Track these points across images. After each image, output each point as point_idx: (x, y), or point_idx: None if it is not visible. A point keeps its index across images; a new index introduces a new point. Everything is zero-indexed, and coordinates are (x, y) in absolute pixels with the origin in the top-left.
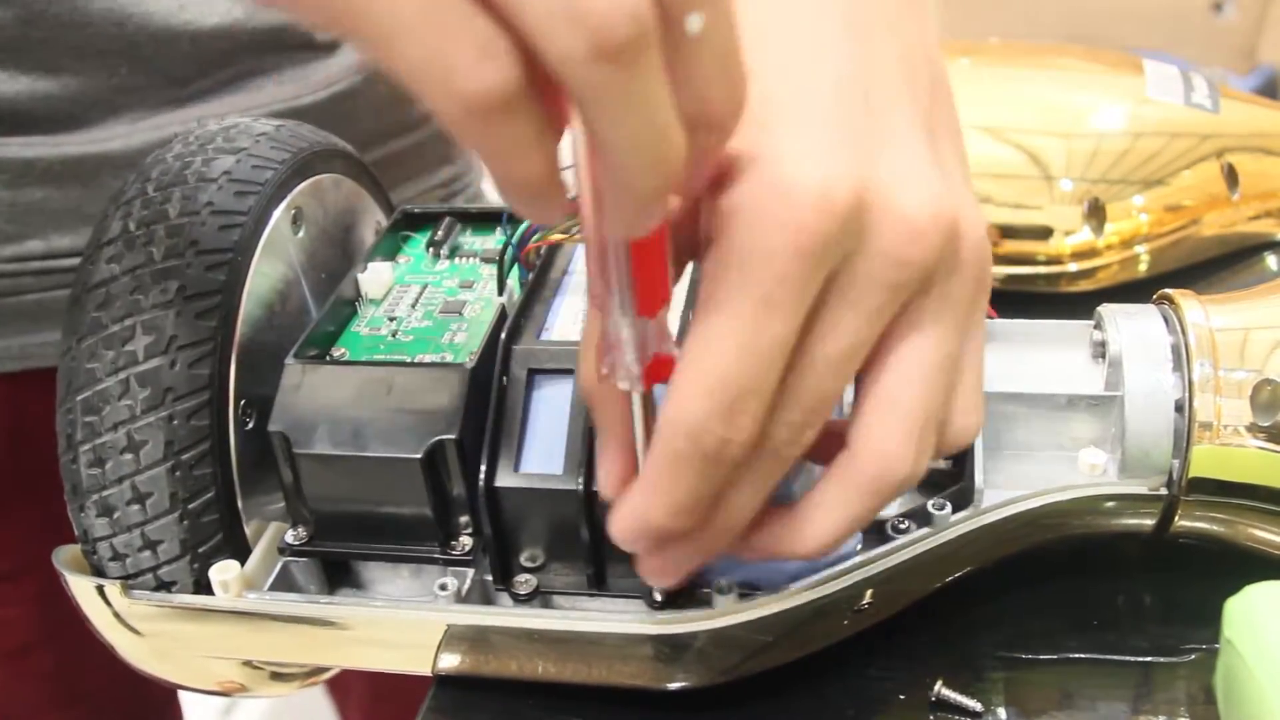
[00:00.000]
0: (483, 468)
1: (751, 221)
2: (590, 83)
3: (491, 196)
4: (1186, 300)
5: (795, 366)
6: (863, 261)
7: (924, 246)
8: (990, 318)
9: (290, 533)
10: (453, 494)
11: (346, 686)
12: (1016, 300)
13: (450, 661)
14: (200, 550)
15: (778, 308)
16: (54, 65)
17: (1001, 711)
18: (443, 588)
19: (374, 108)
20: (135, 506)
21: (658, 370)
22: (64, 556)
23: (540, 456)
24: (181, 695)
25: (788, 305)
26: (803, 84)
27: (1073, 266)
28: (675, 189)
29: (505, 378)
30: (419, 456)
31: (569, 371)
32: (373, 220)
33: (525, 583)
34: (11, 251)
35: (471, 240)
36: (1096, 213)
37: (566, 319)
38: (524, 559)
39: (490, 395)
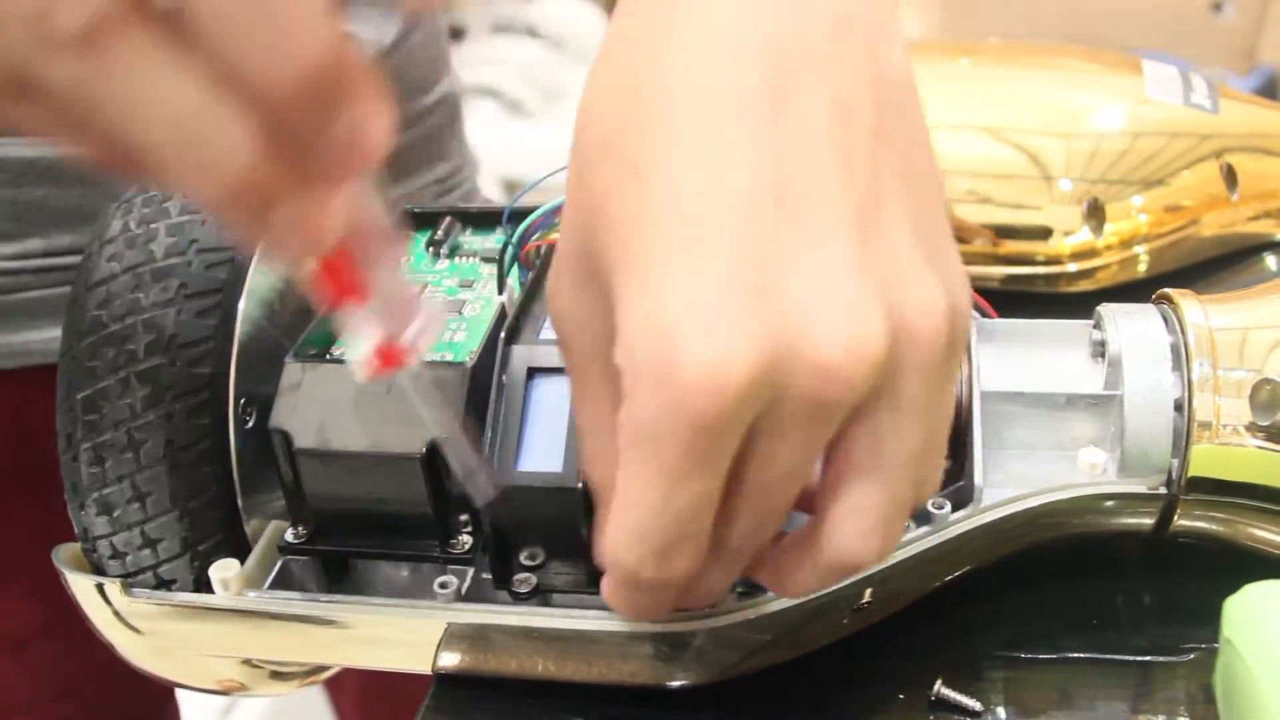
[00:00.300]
0: None
1: (644, 399)
2: (67, 81)
3: (488, 193)
4: (1186, 300)
5: (734, 492)
6: (783, 405)
7: (842, 385)
8: (989, 318)
9: (290, 531)
10: (452, 492)
11: (341, 685)
12: (1016, 300)
13: (450, 660)
14: (200, 548)
15: (688, 476)
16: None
17: (1001, 711)
18: (442, 586)
19: None
20: (135, 505)
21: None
22: (64, 555)
23: (540, 455)
24: (179, 692)
25: (700, 471)
26: (702, 194)
27: (1072, 267)
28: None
29: (505, 376)
30: (419, 454)
31: None
32: None
33: (525, 581)
34: (13, 249)
35: (471, 239)
36: (1096, 213)
37: None
38: (523, 557)
39: (490, 394)
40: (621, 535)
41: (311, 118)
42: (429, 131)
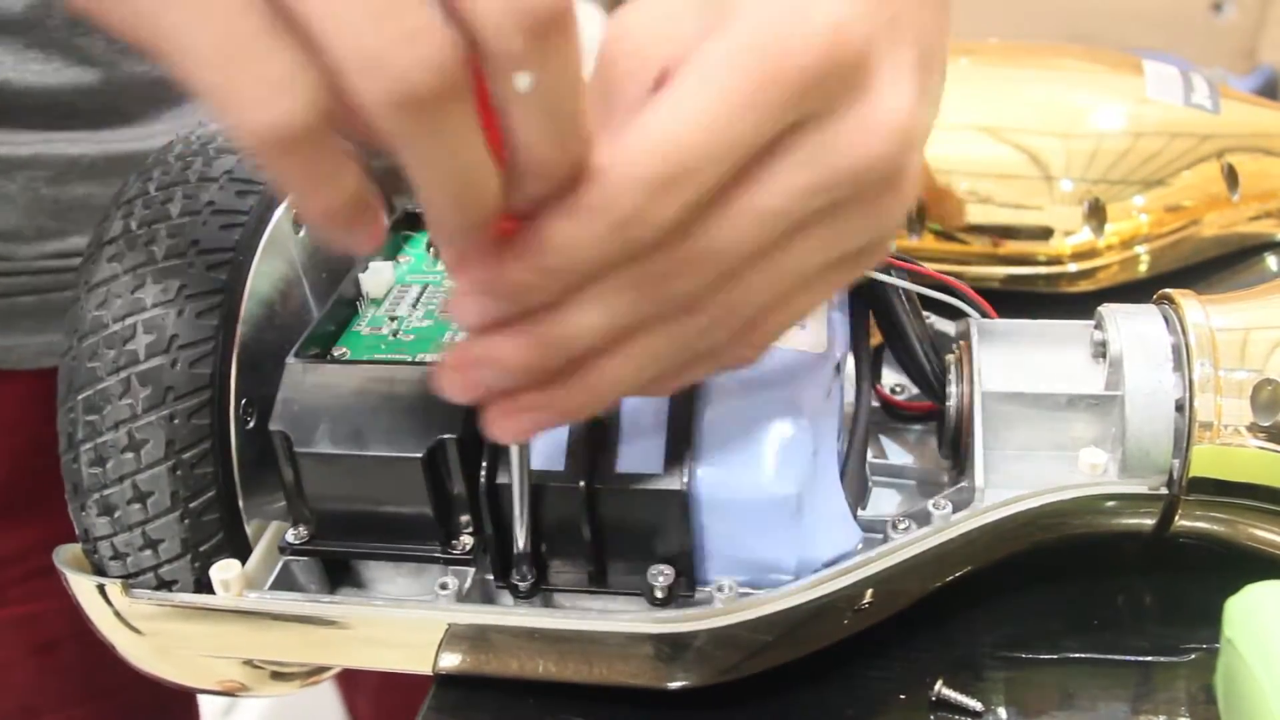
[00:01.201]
0: (484, 464)
1: (765, 27)
2: (393, 128)
3: None
4: (1187, 300)
5: (717, 211)
6: (827, 130)
7: (887, 149)
8: (989, 317)
9: (291, 532)
10: (454, 493)
11: (354, 677)
12: (1017, 300)
13: (451, 661)
14: (201, 549)
15: (759, 113)
16: (99, 59)
17: (1002, 711)
18: (443, 587)
19: None
20: (136, 505)
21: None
22: (65, 555)
23: (541, 454)
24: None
25: (767, 118)
26: None
27: (1073, 267)
28: (493, 224)
29: None
30: (420, 456)
31: None
32: None
33: (526, 580)
34: (54, 248)
35: None
36: (1097, 213)
37: None
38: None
39: None
40: (643, 140)
41: None
42: None
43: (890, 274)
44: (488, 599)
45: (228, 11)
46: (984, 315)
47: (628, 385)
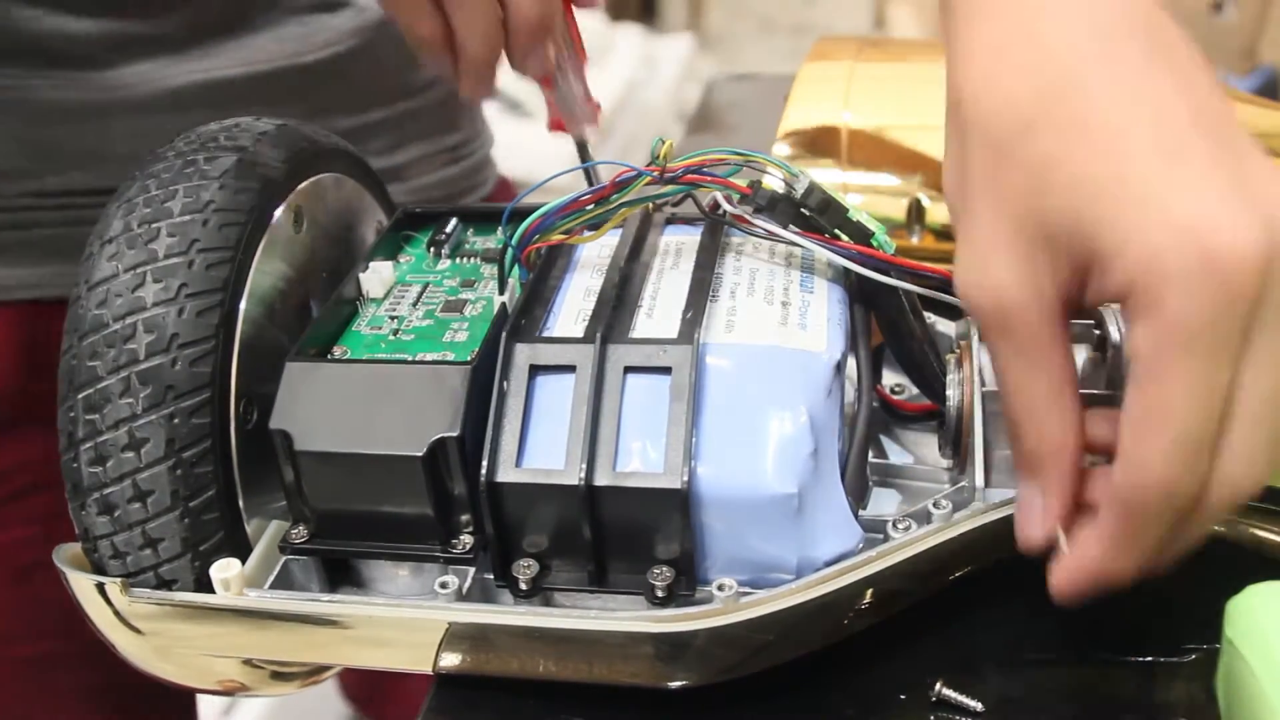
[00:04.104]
0: (484, 463)
1: (1184, 295)
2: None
3: (502, 164)
4: None
5: (1230, 411)
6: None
7: None
8: None
9: (291, 531)
10: (454, 492)
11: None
12: None
13: (451, 660)
14: (201, 548)
15: (1222, 364)
16: (83, 7)
17: (1002, 712)
18: (443, 586)
19: (376, 69)
20: (136, 504)
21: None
22: (65, 554)
23: (541, 453)
24: None
25: (1226, 352)
26: (1161, 125)
27: None
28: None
29: (507, 375)
30: (420, 454)
31: (570, 368)
32: (374, 219)
33: (526, 578)
34: (33, 186)
35: (473, 240)
36: None
37: (567, 317)
38: (524, 555)
39: (491, 394)
40: (1157, 440)
41: None
42: (436, 99)
43: (891, 274)
44: (488, 598)
45: None
46: None
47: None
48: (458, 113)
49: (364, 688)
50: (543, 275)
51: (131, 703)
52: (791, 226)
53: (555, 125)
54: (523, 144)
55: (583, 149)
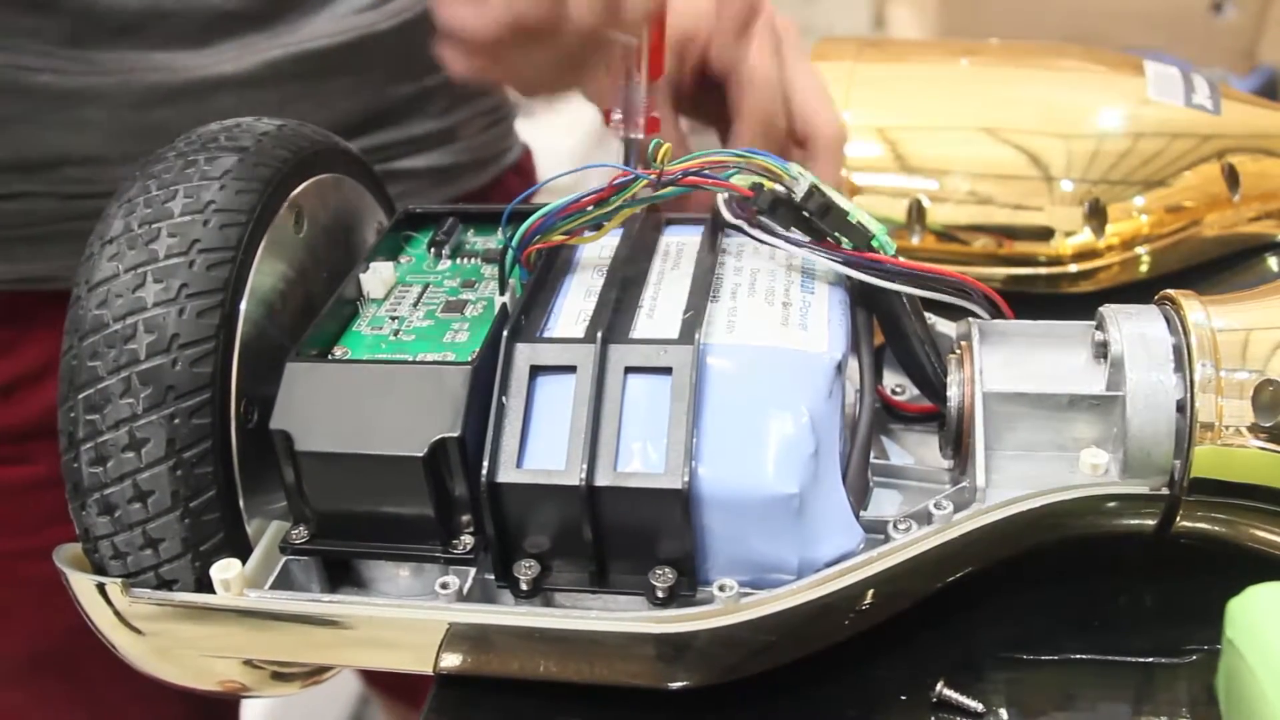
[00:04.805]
0: (485, 464)
1: None
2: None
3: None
4: (1188, 301)
5: None
6: None
7: None
8: (1005, 318)
9: (292, 531)
10: (454, 493)
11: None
12: (1017, 301)
13: (451, 661)
14: (201, 549)
15: None
16: None
17: (1003, 712)
18: (444, 586)
19: (433, 35)
20: (137, 505)
21: (651, 125)
22: (65, 554)
23: (542, 453)
24: None
25: None
26: None
27: (1073, 267)
28: None
29: (507, 376)
30: (421, 455)
31: (570, 369)
32: (374, 220)
33: (527, 578)
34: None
35: (473, 240)
36: (1097, 214)
37: (568, 317)
38: (525, 555)
39: (492, 394)
40: None
41: None
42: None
43: (891, 276)
44: (488, 598)
45: None
46: (999, 315)
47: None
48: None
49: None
50: (543, 276)
51: None
52: (793, 229)
53: (609, 119)
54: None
55: (629, 152)
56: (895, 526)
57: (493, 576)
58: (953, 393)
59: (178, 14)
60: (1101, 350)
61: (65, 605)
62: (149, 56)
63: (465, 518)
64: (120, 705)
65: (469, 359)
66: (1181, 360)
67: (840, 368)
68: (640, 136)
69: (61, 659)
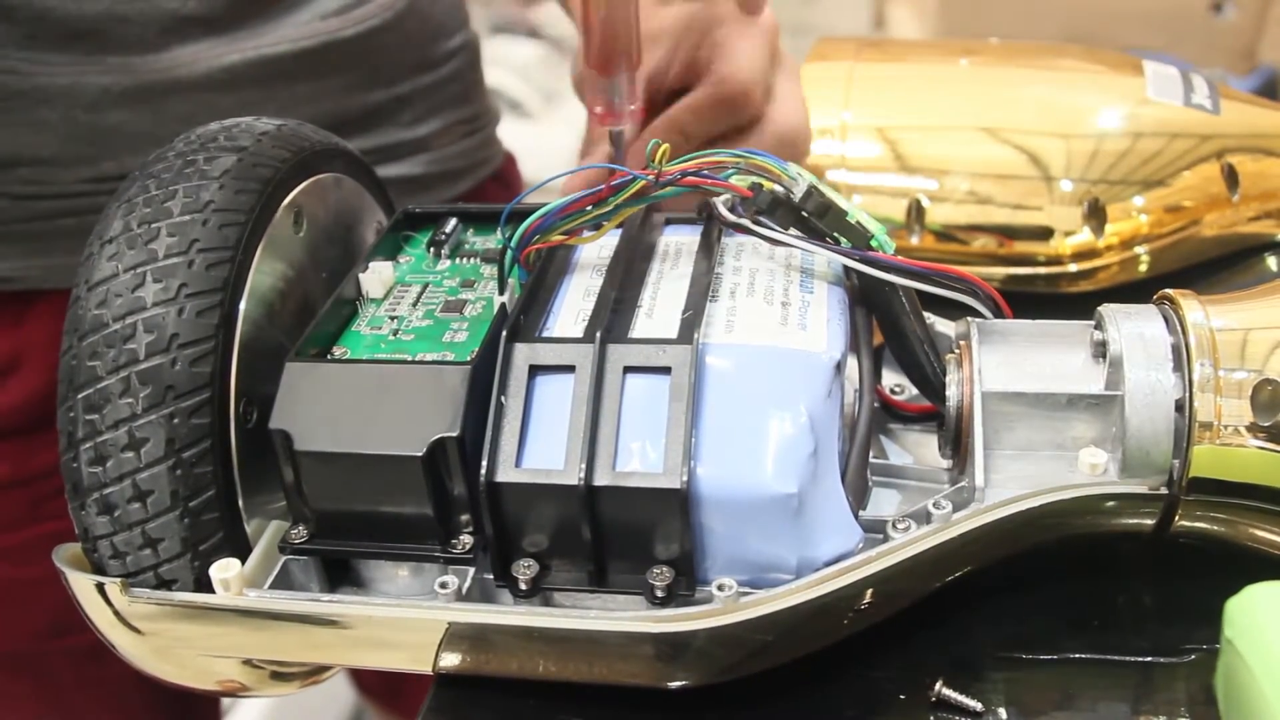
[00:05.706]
0: (484, 463)
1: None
2: None
3: (505, 139)
4: (1187, 300)
5: None
6: None
7: None
8: (1005, 317)
9: (291, 531)
10: (453, 492)
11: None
12: (1016, 301)
13: (450, 660)
14: (201, 548)
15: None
16: None
17: (1002, 712)
18: (443, 586)
19: (405, 43)
20: (136, 504)
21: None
22: (64, 554)
23: (541, 453)
24: None
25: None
26: None
27: (1073, 267)
28: None
29: (506, 375)
30: (420, 455)
31: (570, 369)
32: (374, 219)
33: (526, 578)
34: (89, 172)
35: (473, 240)
36: (1096, 213)
37: (567, 317)
38: (524, 555)
39: (491, 393)
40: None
41: None
42: (453, 73)
43: (891, 276)
44: (487, 598)
45: None
46: (999, 314)
47: None
48: (472, 87)
49: (380, 682)
50: (542, 276)
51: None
52: (792, 230)
53: (598, 115)
54: (523, 144)
55: (617, 142)
56: (894, 526)
57: (492, 576)
58: (952, 392)
59: (135, 19)
60: (1100, 350)
61: (32, 608)
62: (104, 59)
63: (464, 517)
64: (89, 709)
65: (468, 359)
66: (1180, 360)
67: (839, 367)
68: (625, 127)
69: (28, 661)
